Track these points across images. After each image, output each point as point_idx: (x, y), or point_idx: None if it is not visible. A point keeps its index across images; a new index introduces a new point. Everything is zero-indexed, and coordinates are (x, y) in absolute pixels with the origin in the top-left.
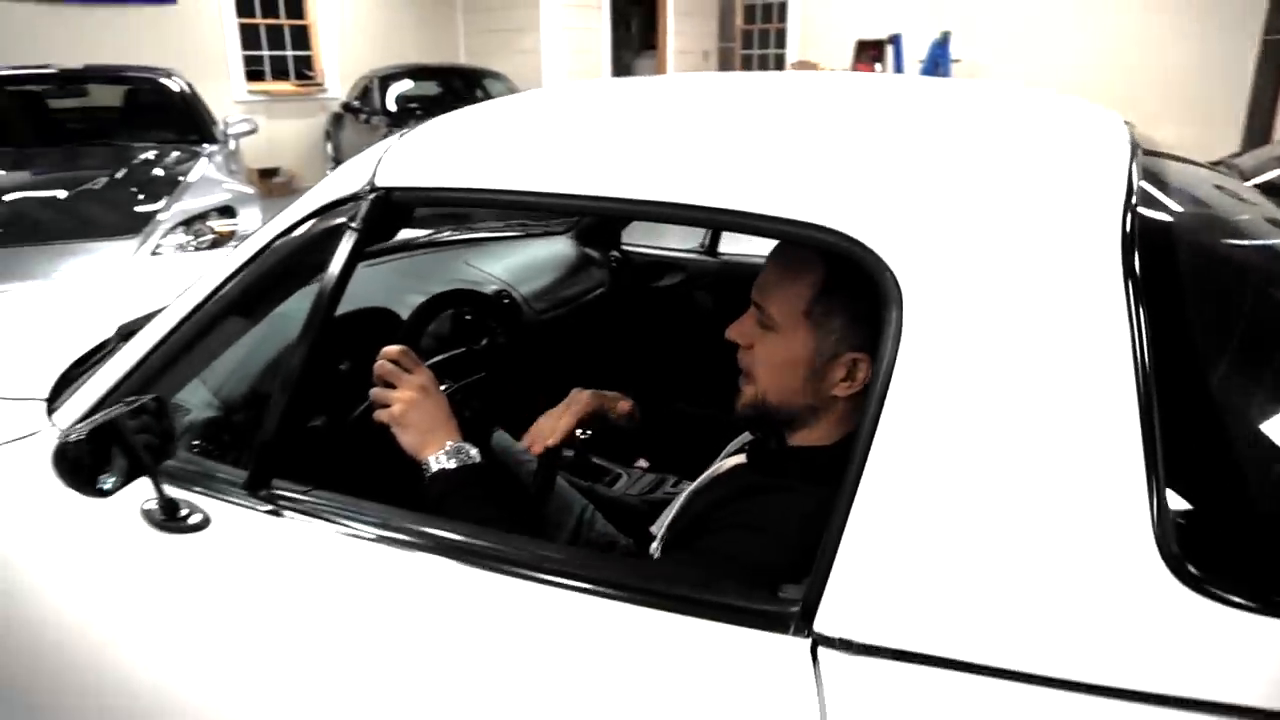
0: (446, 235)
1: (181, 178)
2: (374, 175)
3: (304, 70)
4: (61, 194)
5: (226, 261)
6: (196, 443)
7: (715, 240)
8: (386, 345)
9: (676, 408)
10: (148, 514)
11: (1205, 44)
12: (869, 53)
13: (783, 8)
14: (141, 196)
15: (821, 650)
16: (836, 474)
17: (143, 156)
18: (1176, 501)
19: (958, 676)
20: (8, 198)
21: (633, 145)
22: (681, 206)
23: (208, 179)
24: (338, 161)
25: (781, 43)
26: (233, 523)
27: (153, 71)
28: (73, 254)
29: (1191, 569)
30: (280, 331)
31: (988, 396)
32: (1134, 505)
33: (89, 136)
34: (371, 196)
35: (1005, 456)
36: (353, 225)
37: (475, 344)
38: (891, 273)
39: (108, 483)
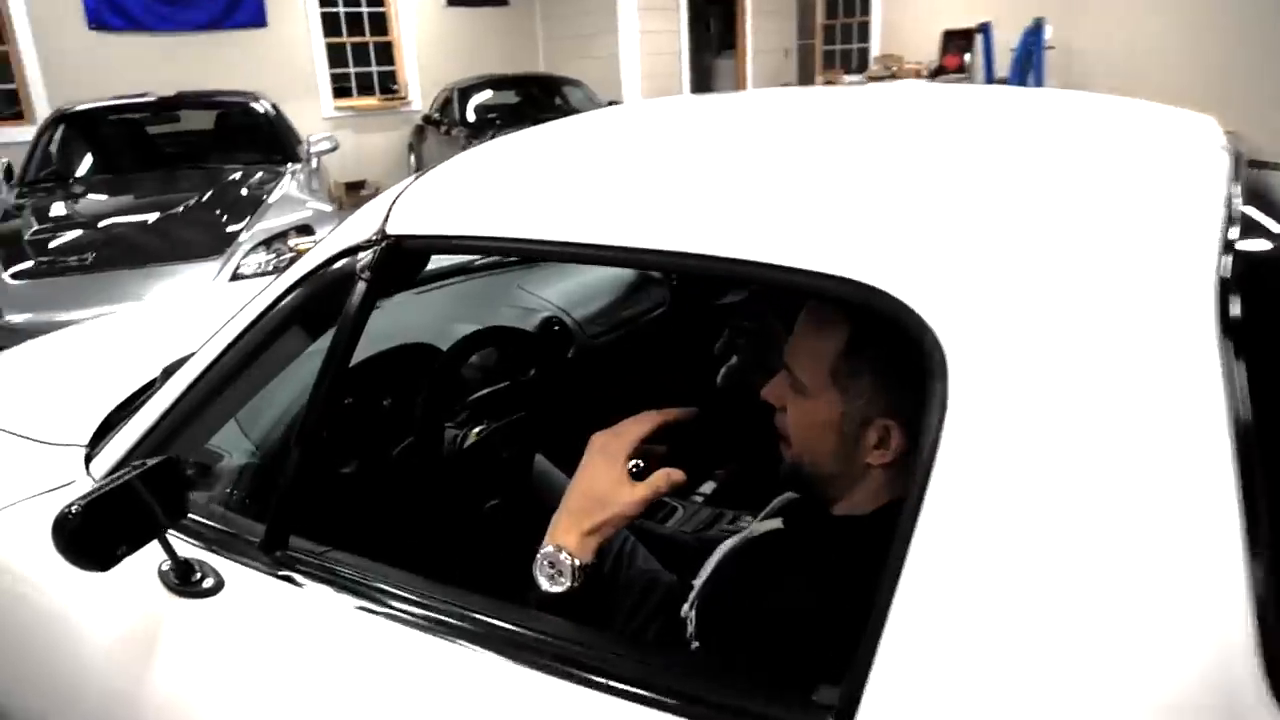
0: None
1: (264, 198)
2: (385, 222)
3: (388, 85)
4: (154, 217)
5: (249, 307)
6: (232, 491)
7: None
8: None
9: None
10: (163, 575)
11: None
12: (956, 43)
13: (865, 0)
14: (225, 217)
15: None
16: (877, 546)
17: (230, 178)
18: None
19: None
20: (105, 222)
21: (640, 188)
22: (688, 256)
23: (289, 198)
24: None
25: (865, 36)
26: (246, 587)
27: (241, 95)
28: (161, 276)
29: None
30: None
31: (1051, 479)
32: (1232, 612)
33: (183, 160)
34: (383, 244)
35: (1073, 546)
36: (363, 276)
37: (521, 375)
38: (933, 334)
39: (108, 555)
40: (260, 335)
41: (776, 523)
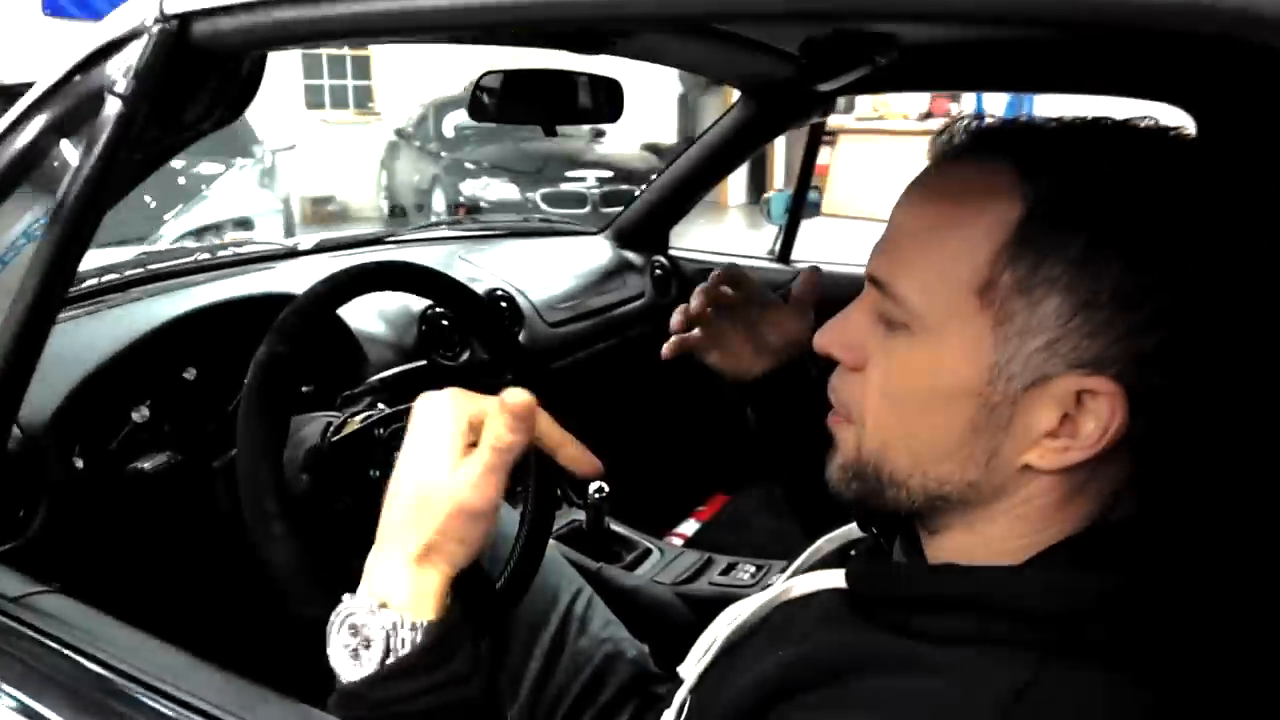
0: (441, 233)
1: (203, 188)
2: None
3: (364, 100)
4: None
5: None
6: None
7: (789, 244)
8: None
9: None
10: None
11: None
12: None
13: None
14: (155, 204)
15: None
16: (1044, 632)
17: (172, 166)
18: None
19: None
20: None
21: None
22: None
23: (230, 191)
24: (390, 190)
25: None
26: None
27: None
28: None
29: None
30: None
31: None
32: None
33: None
34: (156, 32)
35: None
36: (119, 91)
37: (446, 356)
38: None
39: None
40: None
41: (833, 578)
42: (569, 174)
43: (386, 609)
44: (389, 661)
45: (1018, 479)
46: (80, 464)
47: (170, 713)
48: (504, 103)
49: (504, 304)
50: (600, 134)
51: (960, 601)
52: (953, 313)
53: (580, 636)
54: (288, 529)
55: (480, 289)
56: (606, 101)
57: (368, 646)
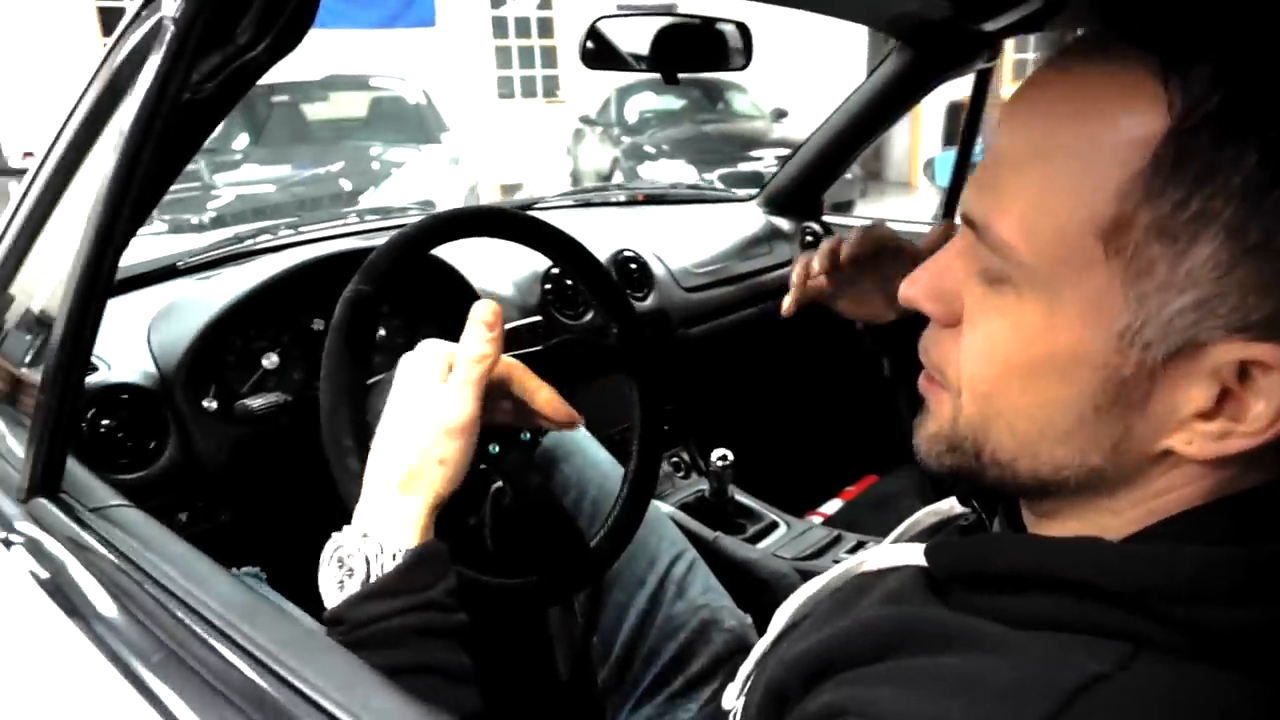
0: (570, 202)
1: (392, 171)
2: None
3: (551, 89)
4: (284, 183)
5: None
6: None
7: (951, 207)
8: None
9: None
10: None
11: None
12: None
13: None
14: (349, 187)
15: None
16: (1142, 617)
17: (368, 151)
18: None
19: None
20: (250, 190)
21: None
22: None
23: (415, 176)
24: (574, 175)
25: None
26: None
27: (392, 80)
28: None
29: None
30: None
31: None
32: None
33: (335, 138)
34: None
35: None
36: (169, 15)
37: (567, 315)
38: None
39: None
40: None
41: (915, 553)
42: (748, 154)
43: (368, 538)
44: (369, 584)
45: (1154, 465)
46: (213, 405)
47: (212, 640)
48: (614, 50)
49: (632, 265)
50: (783, 114)
51: (1041, 579)
52: (1067, 262)
53: (677, 601)
54: (362, 466)
55: (609, 250)
56: (732, 47)
57: (351, 575)
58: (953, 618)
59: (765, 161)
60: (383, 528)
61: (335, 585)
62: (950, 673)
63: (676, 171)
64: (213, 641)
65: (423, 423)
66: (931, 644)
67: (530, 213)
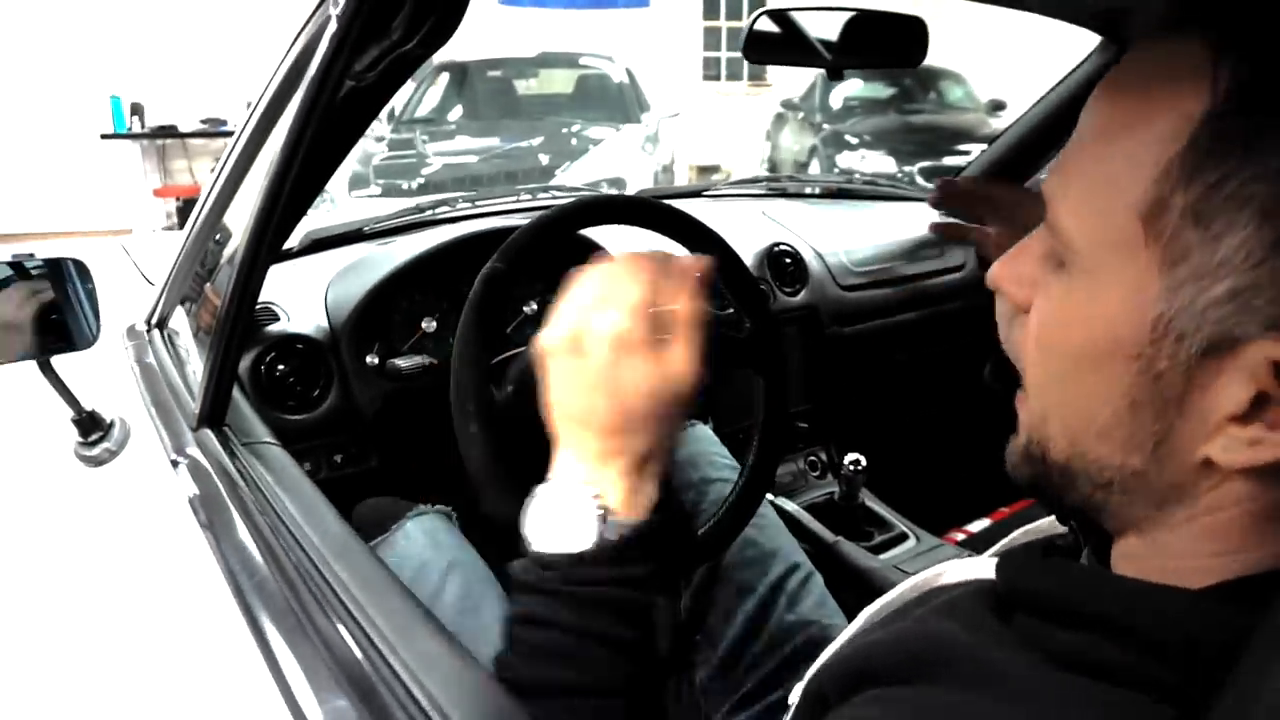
0: (758, 189)
1: (589, 148)
2: None
3: (757, 72)
4: (495, 155)
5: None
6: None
7: None
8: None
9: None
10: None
11: None
12: None
13: None
14: (547, 161)
15: None
16: (1197, 681)
17: (569, 129)
18: None
19: None
20: (456, 160)
21: None
22: None
23: (610, 154)
24: (771, 161)
25: None
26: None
27: (599, 59)
28: None
29: None
30: None
31: None
32: None
33: (541, 113)
34: None
35: None
36: (333, 14)
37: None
38: None
39: None
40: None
41: (986, 568)
42: (956, 148)
43: (600, 500)
44: (594, 545)
45: (1199, 478)
46: (375, 361)
47: (312, 574)
48: (780, 42)
49: (787, 259)
50: (1000, 106)
51: (1093, 619)
52: (1112, 246)
53: (787, 612)
54: (483, 431)
55: (765, 242)
56: (903, 41)
57: (577, 529)
58: (1001, 648)
59: (972, 156)
60: (616, 498)
61: (557, 531)
62: (970, 713)
63: (875, 162)
64: (312, 575)
65: (659, 391)
66: (961, 677)
67: (678, 202)
